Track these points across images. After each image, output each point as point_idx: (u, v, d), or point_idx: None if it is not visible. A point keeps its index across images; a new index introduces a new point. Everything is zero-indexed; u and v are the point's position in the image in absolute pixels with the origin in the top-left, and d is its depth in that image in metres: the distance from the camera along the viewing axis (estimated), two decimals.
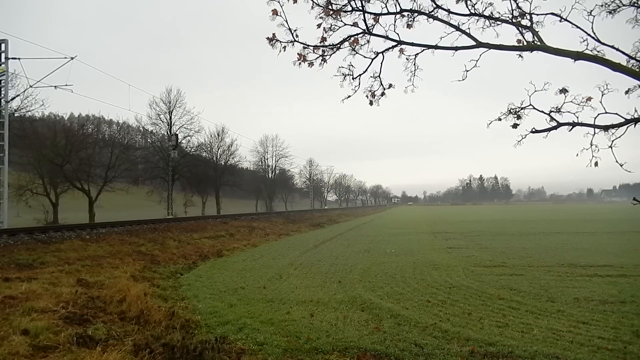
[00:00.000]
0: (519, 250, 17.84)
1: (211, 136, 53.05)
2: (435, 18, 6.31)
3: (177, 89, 64.90)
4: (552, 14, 6.16)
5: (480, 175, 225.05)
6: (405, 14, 6.31)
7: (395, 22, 6.34)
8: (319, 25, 6.23)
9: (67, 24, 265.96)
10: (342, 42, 6.38)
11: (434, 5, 6.25)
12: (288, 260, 15.75)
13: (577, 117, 6.10)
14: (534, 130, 6.29)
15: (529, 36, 6.27)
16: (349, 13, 6.22)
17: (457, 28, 6.28)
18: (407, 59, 6.67)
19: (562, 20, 6.11)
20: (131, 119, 75.60)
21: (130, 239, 17.52)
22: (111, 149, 35.37)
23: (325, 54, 6.41)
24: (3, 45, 21.36)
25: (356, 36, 6.39)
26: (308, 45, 6.30)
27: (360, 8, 6.18)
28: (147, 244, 17.25)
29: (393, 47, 6.50)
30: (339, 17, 6.19)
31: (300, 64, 6.33)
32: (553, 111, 6.21)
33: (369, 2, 6.20)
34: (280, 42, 6.15)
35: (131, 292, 8.43)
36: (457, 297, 9.41)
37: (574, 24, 6.02)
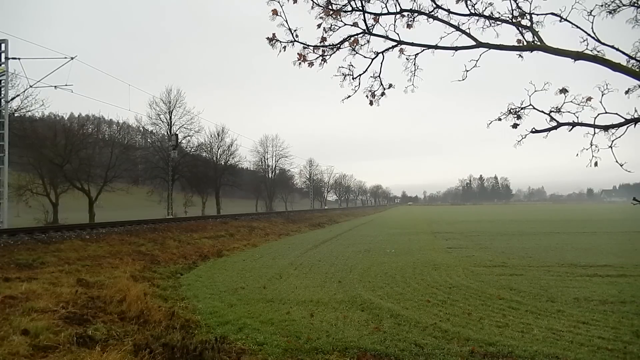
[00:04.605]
0: (519, 250, 17.84)
1: (211, 136, 53.12)
2: (435, 18, 6.31)
3: (177, 88, 64.78)
4: (552, 14, 6.17)
5: (480, 175, 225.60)
6: (405, 14, 6.32)
7: (395, 22, 6.35)
8: (319, 25, 6.23)
9: (67, 24, 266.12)
10: (342, 42, 6.39)
11: (434, 5, 6.26)
12: (288, 260, 15.75)
13: (577, 117, 6.12)
14: (534, 130, 6.30)
15: (529, 36, 6.28)
16: (349, 13, 6.22)
17: (457, 28, 6.28)
18: (407, 59, 6.68)
19: (562, 20, 6.11)
20: (131, 119, 75.85)
21: (130, 239, 17.52)
22: (111, 149, 35.40)
23: (325, 54, 6.41)
24: (3, 45, 21.36)
25: (356, 36, 6.40)
26: (308, 45, 6.31)
27: (360, 8, 6.18)
28: (147, 244, 17.25)
29: (393, 47, 6.51)
30: (339, 17, 6.19)
31: (300, 64, 6.34)
32: (553, 111, 6.22)
33: (369, 2, 6.21)
34: (280, 42, 6.16)
35: (131, 292, 8.43)
36: (457, 297, 9.40)
37: (574, 24, 6.03)
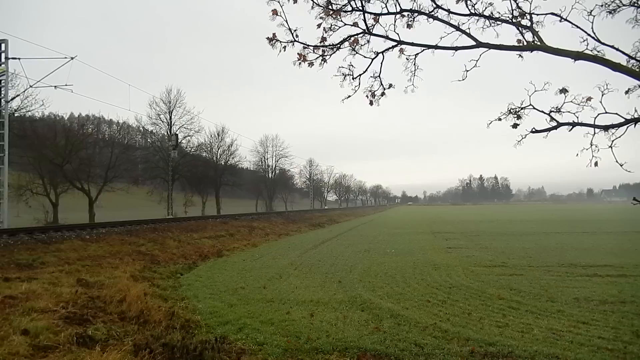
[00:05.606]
0: (519, 250, 17.84)
1: (211, 136, 53.14)
2: (435, 18, 6.31)
3: (177, 88, 64.88)
4: (552, 14, 6.17)
5: (480, 175, 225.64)
6: (405, 14, 6.32)
7: (395, 22, 6.35)
8: (319, 25, 6.23)
9: (67, 24, 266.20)
10: (342, 42, 6.39)
11: (434, 5, 6.26)
12: (288, 260, 15.75)
13: (577, 117, 6.12)
14: (534, 130, 6.30)
15: (529, 36, 6.28)
16: (349, 13, 6.23)
17: (457, 28, 6.28)
18: (407, 59, 6.69)
19: (562, 20, 6.11)
20: (131, 119, 75.41)
21: (130, 239, 17.52)
22: (111, 149, 35.41)
23: (325, 54, 6.42)
24: (3, 45, 21.36)
25: (356, 36, 6.40)
26: (308, 45, 6.31)
27: (360, 8, 6.19)
28: (147, 244, 17.24)
29: (393, 47, 6.51)
30: (339, 17, 6.19)
31: (300, 63, 6.34)
32: (553, 111, 6.22)
33: (369, 2, 6.21)
34: (281, 42, 6.16)
35: (131, 292, 8.43)
36: (457, 297, 9.40)
37: (574, 24, 6.03)
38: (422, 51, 6.56)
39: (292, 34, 6.08)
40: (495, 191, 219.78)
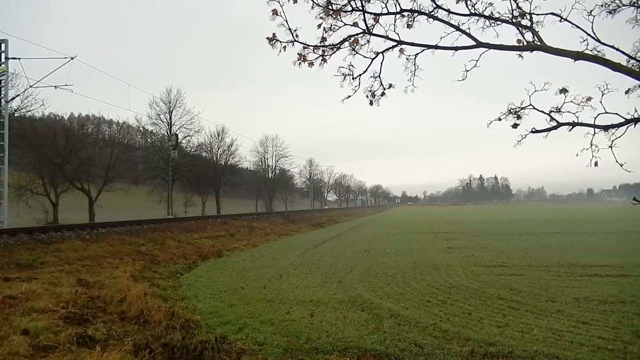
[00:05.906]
0: (519, 250, 17.83)
1: (211, 136, 53.18)
2: (435, 18, 6.31)
3: (177, 88, 65.03)
4: (552, 14, 6.17)
5: (480, 175, 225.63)
6: (405, 14, 6.32)
7: (395, 22, 6.35)
8: (319, 26, 6.24)
9: (67, 24, 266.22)
10: (342, 42, 6.39)
11: (434, 5, 6.26)
12: (288, 260, 15.75)
13: (577, 117, 6.11)
14: (534, 130, 6.30)
15: (529, 36, 6.28)
16: (349, 13, 6.23)
17: (457, 28, 6.28)
18: (407, 59, 6.68)
19: (562, 20, 6.11)
20: (131, 119, 75.41)
21: (130, 239, 17.52)
22: (111, 149, 35.44)
23: (325, 54, 6.42)
24: (3, 45, 21.37)
25: (356, 36, 6.40)
26: (308, 45, 6.31)
27: (360, 8, 6.19)
28: (147, 244, 17.24)
29: (393, 47, 6.51)
30: (339, 17, 6.19)
31: (300, 63, 6.34)
32: (553, 111, 6.22)
33: (369, 2, 6.21)
34: (280, 42, 6.16)
35: (131, 292, 8.43)
36: (457, 297, 9.40)
37: (574, 24, 6.03)
38: (422, 51, 6.56)
39: (292, 34, 6.08)
40: (495, 191, 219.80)
